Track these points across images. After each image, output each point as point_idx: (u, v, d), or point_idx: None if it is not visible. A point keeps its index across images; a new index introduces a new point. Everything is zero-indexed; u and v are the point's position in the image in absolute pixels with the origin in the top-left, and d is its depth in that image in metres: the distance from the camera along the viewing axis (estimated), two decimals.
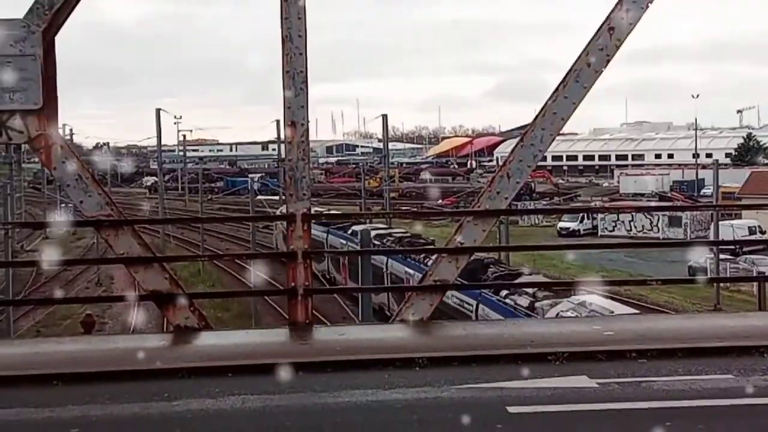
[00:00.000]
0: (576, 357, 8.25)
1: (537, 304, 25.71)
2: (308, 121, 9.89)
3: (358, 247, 36.72)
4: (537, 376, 7.72)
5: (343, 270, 44.18)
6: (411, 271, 34.23)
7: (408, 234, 43.78)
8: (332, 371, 8.11)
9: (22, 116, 9.39)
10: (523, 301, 26.41)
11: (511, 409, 6.88)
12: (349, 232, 44.03)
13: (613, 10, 9.90)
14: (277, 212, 57.36)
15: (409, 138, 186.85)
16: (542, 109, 10.04)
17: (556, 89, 9.98)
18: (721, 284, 42.05)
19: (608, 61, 9.94)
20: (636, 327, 9.77)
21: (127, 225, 9.95)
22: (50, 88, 9.49)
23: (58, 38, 9.70)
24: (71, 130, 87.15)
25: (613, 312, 22.03)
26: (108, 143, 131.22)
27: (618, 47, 9.92)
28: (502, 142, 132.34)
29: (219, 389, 7.50)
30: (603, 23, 9.91)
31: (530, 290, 26.56)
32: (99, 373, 8.06)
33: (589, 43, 9.91)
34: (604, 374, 7.76)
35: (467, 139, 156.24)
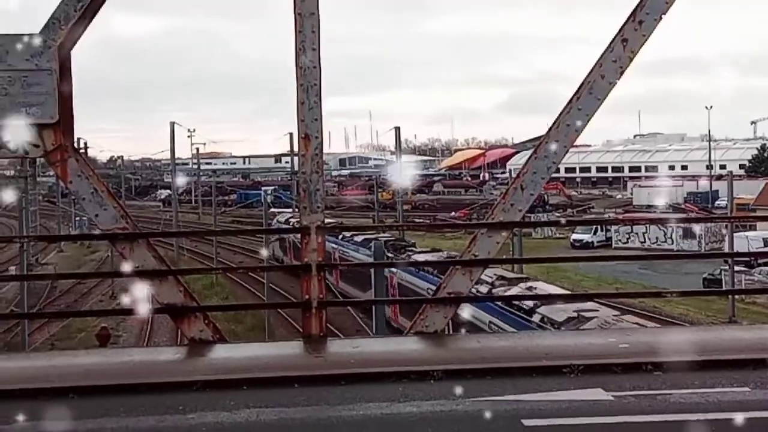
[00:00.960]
0: (591, 370, 8.22)
1: (494, 290, 29.03)
2: (322, 134, 9.92)
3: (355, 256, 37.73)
4: (552, 389, 7.69)
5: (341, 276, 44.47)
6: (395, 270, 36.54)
7: (393, 238, 45.08)
8: (347, 384, 8.10)
9: (38, 130, 9.45)
10: (484, 288, 28.48)
11: (527, 422, 6.86)
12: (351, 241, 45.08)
13: (626, 22, 9.90)
14: (274, 222, 58.27)
15: (422, 150, 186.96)
16: (556, 120, 10.03)
17: (570, 101, 9.98)
18: (737, 296, 41.84)
19: (622, 73, 9.93)
20: (651, 339, 9.72)
21: (142, 238, 9.99)
22: (66, 102, 9.55)
23: (73, 52, 9.78)
24: (86, 143, 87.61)
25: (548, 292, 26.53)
26: (122, 156, 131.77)
27: (632, 59, 9.92)
28: (515, 154, 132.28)
29: (234, 402, 7.50)
30: (616, 35, 9.91)
31: (489, 279, 29.62)
32: (114, 386, 8.07)
33: (603, 54, 9.91)
34: (619, 387, 7.73)
35: (480, 151, 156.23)
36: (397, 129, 67.31)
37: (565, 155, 10.19)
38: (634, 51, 9.91)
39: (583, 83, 9.92)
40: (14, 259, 50.94)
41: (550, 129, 10.14)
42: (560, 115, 9.98)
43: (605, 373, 8.16)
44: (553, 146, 9.99)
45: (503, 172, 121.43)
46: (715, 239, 61.26)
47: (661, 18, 9.88)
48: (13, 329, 38.47)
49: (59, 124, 9.46)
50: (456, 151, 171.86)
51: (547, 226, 62.64)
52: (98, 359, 9.55)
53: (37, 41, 9.38)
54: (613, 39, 9.91)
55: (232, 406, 7.42)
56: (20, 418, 7.24)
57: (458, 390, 7.70)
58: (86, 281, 53.01)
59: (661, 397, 7.45)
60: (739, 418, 6.85)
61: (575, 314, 25.56)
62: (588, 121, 9.97)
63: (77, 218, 72.83)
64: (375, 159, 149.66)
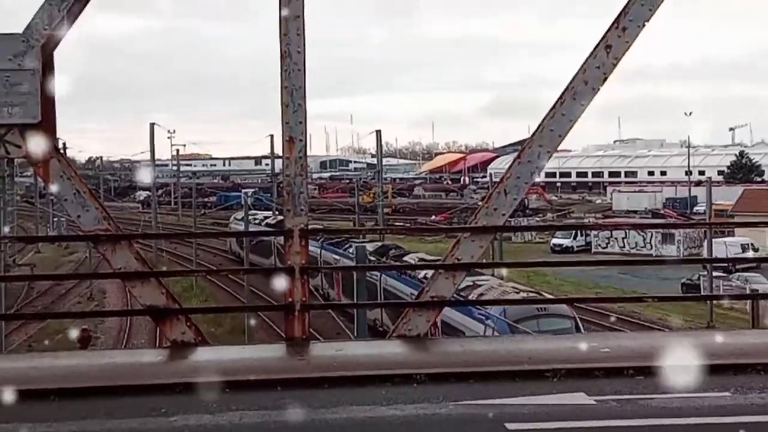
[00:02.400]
0: (573, 374, 8.26)
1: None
2: (306, 137, 9.92)
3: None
4: (535, 393, 7.73)
5: (336, 285, 44.50)
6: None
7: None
8: (330, 387, 8.10)
9: (20, 131, 9.39)
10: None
11: (510, 426, 6.88)
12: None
13: (610, 29, 9.96)
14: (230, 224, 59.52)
15: (403, 154, 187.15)
16: (539, 126, 10.08)
17: (554, 106, 10.03)
18: (715, 302, 42.11)
19: (605, 79, 9.99)
20: (633, 344, 9.79)
21: (125, 240, 9.95)
22: (49, 102, 9.50)
23: (56, 52, 9.73)
24: (64, 144, 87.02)
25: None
26: (101, 157, 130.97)
27: (615, 65, 9.98)
28: (495, 158, 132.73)
29: (217, 405, 7.48)
30: (600, 41, 9.97)
31: (413, 261, 35.00)
32: (96, 388, 8.02)
33: (587, 60, 9.96)
34: (601, 391, 7.77)
35: (461, 155, 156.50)
36: (378, 132, 67.32)
37: (549, 160, 10.24)
38: (617, 57, 9.97)
39: (566, 89, 9.97)
40: None
41: (533, 134, 10.19)
42: (544, 120, 10.03)
43: (587, 377, 8.20)
44: (537, 151, 10.04)
45: (484, 176, 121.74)
46: (693, 245, 61.67)
47: (644, 25, 9.95)
48: None
49: (42, 124, 9.41)
50: (437, 154, 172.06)
51: (530, 230, 62.86)
52: (79, 361, 9.48)
53: (20, 41, 9.33)
54: (597, 45, 9.97)
55: (215, 408, 7.40)
56: (1, 420, 7.18)
57: (441, 393, 7.72)
58: (64, 282, 52.65)
59: (643, 402, 7.50)
60: (720, 422, 6.91)
61: (471, 282, 28.37)
62: (572, 127, 10.03)
63: (55, 219, 72.31)
64: (355, 162, 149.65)
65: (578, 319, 29.06)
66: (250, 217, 65.20)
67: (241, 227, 63.35)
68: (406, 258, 40.32)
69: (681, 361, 8.52)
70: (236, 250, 61.39)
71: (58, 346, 26.83)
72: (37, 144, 9.45)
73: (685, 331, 27.72)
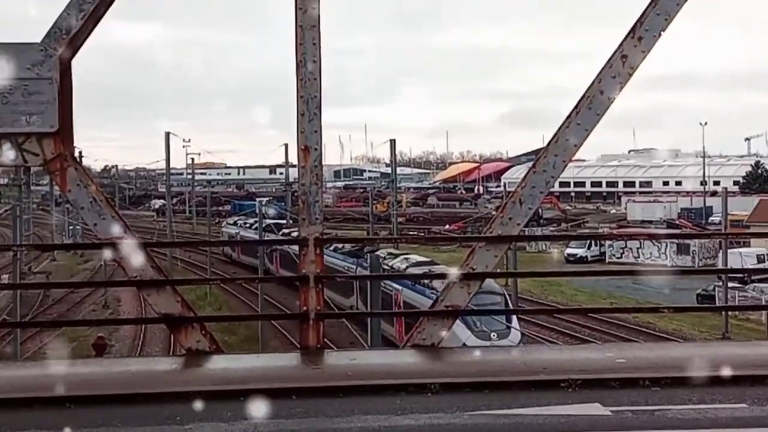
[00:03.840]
0: (589, 384, 8.22)
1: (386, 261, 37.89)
2: (321, 146, 9.94)
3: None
4: (550, 403, 7.69)
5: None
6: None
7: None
8: (344, 396, 8.09)
9: (38, 139, 9.45)
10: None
11: None
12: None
13: (625, 38, 9.94)
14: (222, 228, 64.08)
15: (417, 163, 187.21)
16: (555, 135, 10.06)
17: (569, 116, 10.01)
18: (730, 312, 41.87)
19: (621, 89, 9.97)
20: (649, 354, 9.74)
21: (141, 248, 9.98)
22: (66, 111, 9.56)
23: (73, 62, 9.79)
24: (80, 152, 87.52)
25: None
26: (116, 166, 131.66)
27: (631, 75, 9.95)
28: (509, 167, 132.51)
29: (231, 413, 7.49)
30: (616, 51, 9.95)
31: (383, 255, 38.59)
32: (111, 396, 8.04)
33: (602, 70, 9.94)
34: (617, 402, 7.73)
35: (475, 165, 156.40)
36: (393, 141, 67.42)
37: (564, 170, 10.21)
38: (633, 67, 9.95)
39: (582, 98, 9.95)
40: (7, 267, 50.80)
41: (548, 143, 10.17)
42: (559, 129, 10.01)
43: (603, 387, 8.16)
44: (552, 161, 10.03)
45: (498, 186, 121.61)
46: (708, 255, 61.37)
47: (660, 35, 9.92)
48: (5, 338, 38.30)
49: (59, 133, 9.46)
50: (451, 164, 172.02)
51: (545, 240, 62.68)
52: (95, 369, 9.52)
53: (38, 50, 9.39)
54: (613, 55, 9.94)
55: (230, 417, 7.40)
56: (17, 427, 7.21)
57: (456, 403, 7.70)
58: (78, 290, 52.84)
59: (659, 413, 7.46)
60: None
61: (428, 269, 34.62)
62: (587, 137, 10.01)
63: (70, 227, 72.66)
64: (370, 171, 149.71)
65: (507, 296, 33.24)
66: (240, 222, 68.63)
67: (232, 231, 67.10)
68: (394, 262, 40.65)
69: (697, 372, 8.49)
70: (228, 252, 67.36)
71: (73, 354, 26.96)
72: (54, 152, 9.51)
73: (700, 342, 27.58)
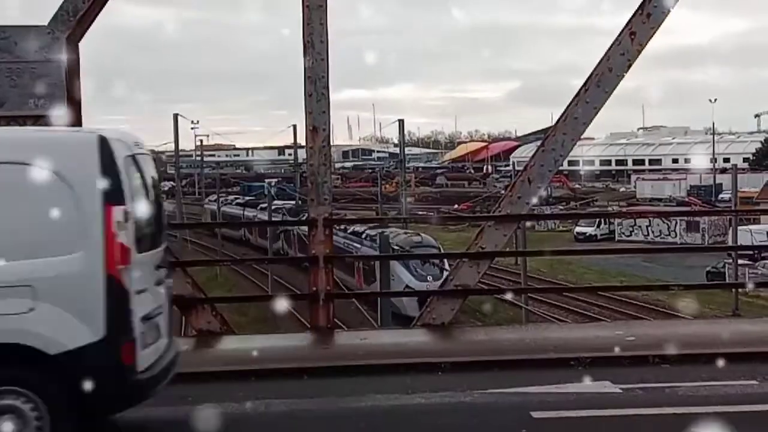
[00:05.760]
0: (599, 362, 8.25)
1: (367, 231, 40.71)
2: (330, 127, 9.94)
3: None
4: (560, 382, 7.71)
5: (357, 273, 44.86)
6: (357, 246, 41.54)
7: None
8: (355, 375, 8.14)
9: (46, 122, 9.46)
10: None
11: (535, 414, 6.87)
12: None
13: (634, 15, 9.91)
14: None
15: (425, 143, 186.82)
16: (563, 113, 10.04)
17: (578, 94, 9.99)
18: (740, 290, 41.75)
19: (630, 66, 9.95)
20: (658, 332, 9.75)
21: None
22: (75, 93, 9.57)
23: (81, 44, 9.80)
24: None
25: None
26: None
27: (639, 51, 9.93)
28: (518, 146, 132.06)
29: (243, 393, 7.53)
30: (624, 28, 9.92)
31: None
32: None
33: (611, 47, 9.92)
34: (627, 379, 7.75)
35: (483, 144, 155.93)
36: (401, 121, 67.10)
37: (572, 148, 10.20)
38: (642, 44, 9.92)
39: (591, 76, 9.93)
40: None
41: (557, 122, 10.16)
42: (568, 107, 9.99)
43: (613, 365, 8.20)
44: (561, 139, 10.01)
45: (506, 165, 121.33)
46: (718, 232, 61.15)
47: (669, 11, 9.88)
48: None
49: (67, 115, 9.47)
50: (459, 143, 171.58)
51: (554, 219, 62.57)
52: None
53: (46, 33, 9.40)
54: (621, 32, 9.92)
55: (242, 397, 7.45)
56: None
57: (466, 382, 7.73)
58: None
59: (670, 390, 7.48)
60: (747, 410, 6.87)
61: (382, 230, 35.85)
62: (596, 114, 10.00)
63: None
64: (378, 151, 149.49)
65: (441, 247, 38.70)
66: (223, 199, 70.54)
67: (214, 207, 69.08)
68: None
69: (707, 350, 8.49)
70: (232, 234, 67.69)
71: None
72: None
73: (709, 319, 27.57)
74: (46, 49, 9.38)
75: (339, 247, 38.50)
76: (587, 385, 7.65)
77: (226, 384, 7.89)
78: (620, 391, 7.49)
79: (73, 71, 9.62)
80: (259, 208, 63.11)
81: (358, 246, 41.38)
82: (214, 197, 78.76)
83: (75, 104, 9.63)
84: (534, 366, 8.25)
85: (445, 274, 36.82)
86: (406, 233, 38.71)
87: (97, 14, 9.79)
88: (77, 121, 9.71)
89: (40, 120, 9.41)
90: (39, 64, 9.37)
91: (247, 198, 75.38)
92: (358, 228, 42.58)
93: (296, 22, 9.74)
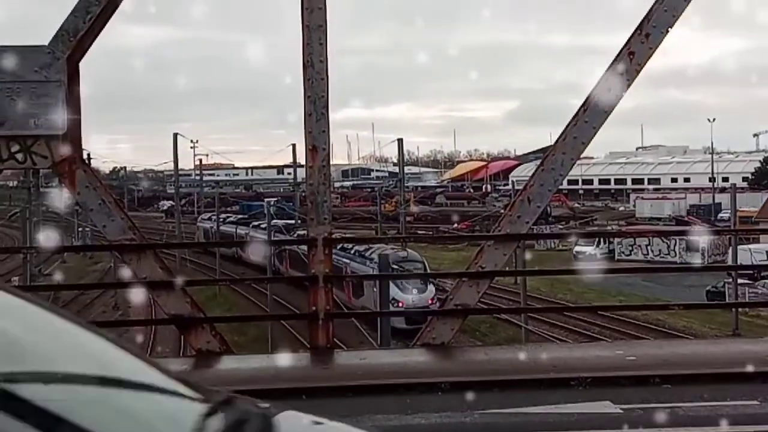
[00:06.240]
0: (599, 382, 8.21)
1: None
2: (329, 146, 9.95)
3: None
4: (560, 402, 7.68)
5: (346, 288, 44.98)
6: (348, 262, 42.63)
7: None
8: (354, 396, 8.10)
9: (46, 141, 9.48)
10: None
11: None
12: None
13: (633, 35, 9.94)
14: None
15: (424, 162, 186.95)
16: (563, 133, 10.06)
17: (577, 113, 10.01)
18: (740, 309, 41.68)
19: (629, 85, 9.97)
20: (659, 352, 9.72)
21: (150, 249, 10.01)
22: (75, 113, 9.59)
23: (81, 63, 9.82)
24: (89, 154, 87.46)
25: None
26: (125, 167, 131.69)
27: (638, 71, 9.95)
28: (517, 165, 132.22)
29: None
30: (623, 48, 9.94)
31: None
32: None
33: (610, 67, 9.94)
34: (628, 400, 7.71)
35: (483, 163, 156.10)
36: (400, 141, 67.11)
37: (572, 167, 10.21)
38: (640, 64, 9.94)
39: (590, 95, 9.95)
40: (17, 269, 50.96)
41: (557, 141, 10.16)
42: (567, 127, 10.01)
43: (613, 385, 8.15)
44: (560, 158, 10.02)
45: (506, 184, 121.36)
46: (718, 252, 61.12)
47: (667, 31, 9.91)
48: None
49: (67, 135, 9.49)
50: (458, 162, 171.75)
51: (553, 238, 62.51)
52: None
53: (46, 53, 9.42)
54: (620, 52, 9.94)
55: None
56: None
57: (466, 402, 7.68)
58: (88, 292, 52.92)
59: (670, 410, 7.43)
60: (748, 431, 6.83)
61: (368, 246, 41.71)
62: (595, 134, 10.01)
63: (80, 229, 72.78)
64: (377, 171, 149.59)
65: (426, 263, 41.16)
66: (215, 217, 71.45)
67: (207, 225, 69.70)
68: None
69: (707, 369, 8.47)
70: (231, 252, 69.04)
71: None
72: (63, 155, 9.54)
73: (710, 339, 27.51)
74: (46, 69, 9.39)
75: (338, 266, 39.07)
76: (587, 405, 7.61)
77: None
78: (621, 411, 7.46)
79: (74, 91, 9.63)
80: (251, 226, 65.40)
81: (347, 261, 42.45)
82: (206, 215, 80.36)
83: (76, 124, 9.64)
84: (534, 386, 8.21)
85: (430, 287, 38.60)
86: (393, 248, 39.94)
87: (97, 34, 9.82)
88: (78, 141, 9.73)
89: (39, 140, 9.43)
90: (39, 84, 9.39)
91: (239, 216, 77.32)
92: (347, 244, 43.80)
93: (296, 42, 9.79)
